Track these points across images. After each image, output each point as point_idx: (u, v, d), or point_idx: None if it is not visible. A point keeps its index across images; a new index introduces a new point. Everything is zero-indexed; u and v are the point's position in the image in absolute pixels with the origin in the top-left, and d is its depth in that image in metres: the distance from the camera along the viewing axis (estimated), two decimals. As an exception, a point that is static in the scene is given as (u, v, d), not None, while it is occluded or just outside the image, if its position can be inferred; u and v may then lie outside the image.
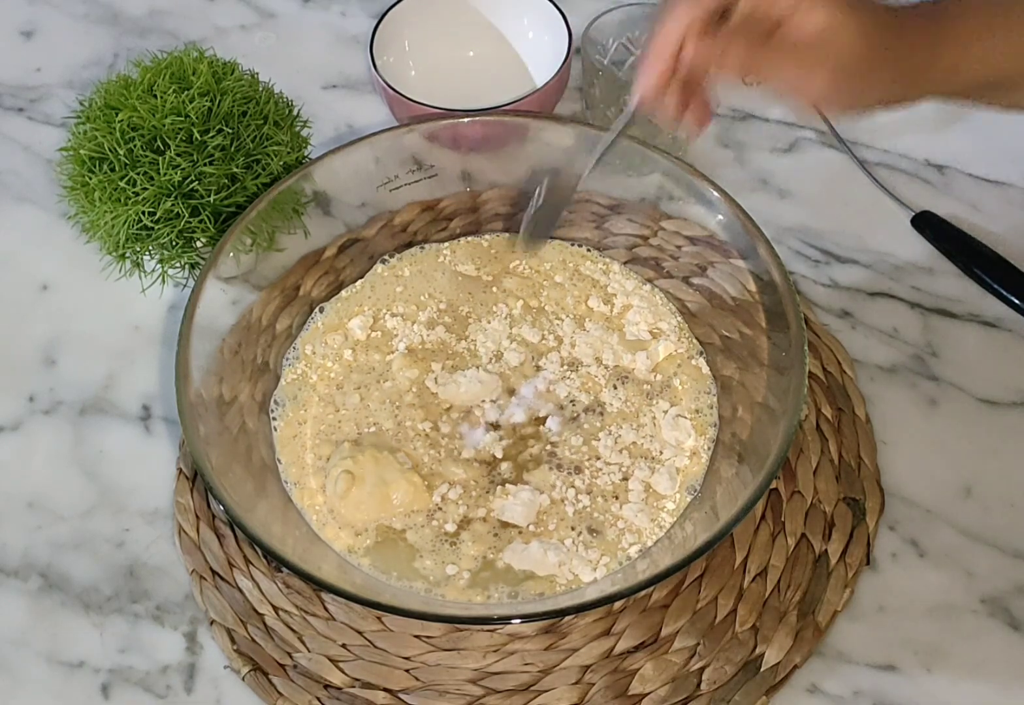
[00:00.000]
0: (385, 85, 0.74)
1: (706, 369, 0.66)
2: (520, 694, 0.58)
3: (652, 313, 0.68)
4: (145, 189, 0.65)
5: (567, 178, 0.62)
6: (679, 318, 0.68)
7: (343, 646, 0.60)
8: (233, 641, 0.60)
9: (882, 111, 0.54)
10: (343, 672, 0.59)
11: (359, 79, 0.85)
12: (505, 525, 0.61)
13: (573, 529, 0.60)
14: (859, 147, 0.79)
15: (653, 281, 0.70)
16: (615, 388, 0.65)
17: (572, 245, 0.72)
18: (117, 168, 0.66)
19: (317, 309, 0.70)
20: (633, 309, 0.68)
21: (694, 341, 0.67)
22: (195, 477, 0.65)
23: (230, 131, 0.67)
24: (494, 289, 0.70)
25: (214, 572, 0.63)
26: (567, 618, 0.60)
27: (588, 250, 0.71)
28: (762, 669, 0.58)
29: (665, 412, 0.64)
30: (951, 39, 0.52)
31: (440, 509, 0.61)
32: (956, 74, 0.53)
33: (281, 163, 0.69)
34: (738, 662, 0.58)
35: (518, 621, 0.58)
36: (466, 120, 0.69)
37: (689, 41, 0.51)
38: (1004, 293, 0.69)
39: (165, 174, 0.65)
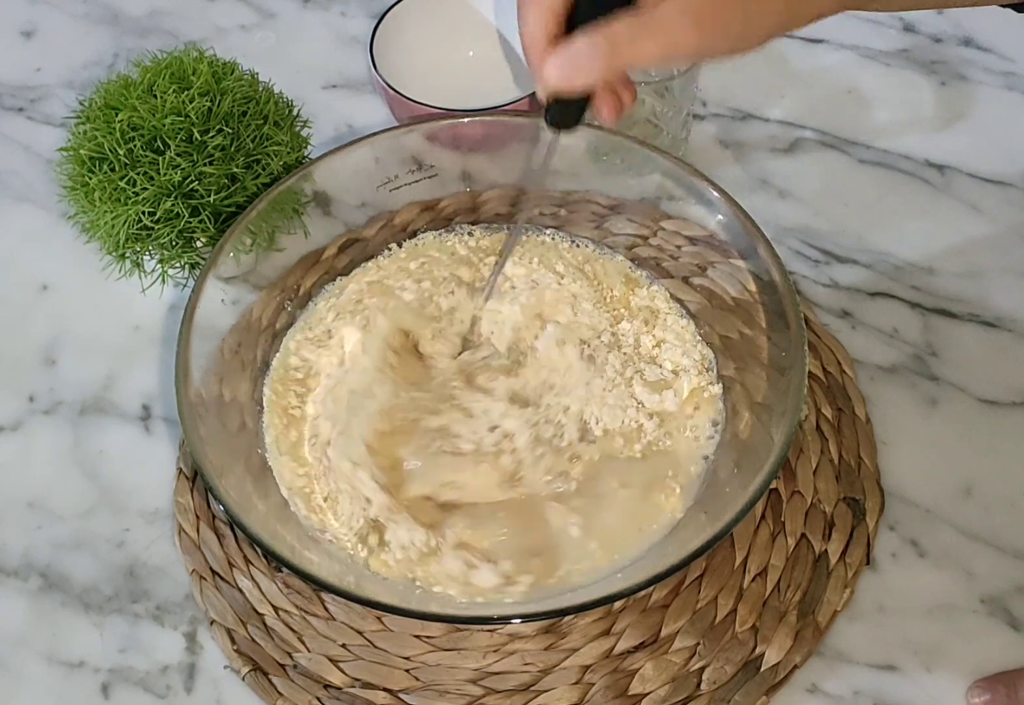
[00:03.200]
0: (385, 85, 0.74)
1: (720, 404, 0.65)
2: (520, 694, 0.58)
3: (681, 349, 0.66)
4: (145, 189, 0.65)
5: None
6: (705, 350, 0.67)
7: (343, 646, 0.60)
8: (233, 641, 0.60)
9: (787, 32, 0.49)
10: (343, 672, 0.59)
11: (359, 79, 0.85)
12: None
13: None
14: (859, 147, 0.79)
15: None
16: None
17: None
18: (117, 168, 0.66)
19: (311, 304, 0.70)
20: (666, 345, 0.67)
21: (714, 371, 0.66)
22: (195, 477, 0.66)
23: (230, 131, 0.67)
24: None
25: (214, 572, 0.63)
26: (567, 618, 0.60)
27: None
28: (762, 669, 0.58)
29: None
30: None
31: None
32: None
33: (281, 163, 0.69)
34: (738, 662, 0.58)
35: (518, 621, 0.58)
36: (466, 120, 0.69)
37: (540, 60, 0.48)
38: None
39: (165, 174, 0.65)
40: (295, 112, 0.73)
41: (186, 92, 0.67)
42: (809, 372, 0.60)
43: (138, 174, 0.65)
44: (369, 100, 0.84)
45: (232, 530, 0.64)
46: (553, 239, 0.71)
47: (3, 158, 0.82)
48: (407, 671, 0.59)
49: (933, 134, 0.79)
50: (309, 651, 0.60)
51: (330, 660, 0.60)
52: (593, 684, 0.59)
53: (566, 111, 0.54)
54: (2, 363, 0.72)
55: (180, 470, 0.66)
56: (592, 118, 0.53)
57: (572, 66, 0.48)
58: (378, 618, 0.61)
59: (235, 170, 0.67)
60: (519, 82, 0.80)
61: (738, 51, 0.48)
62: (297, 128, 0.72)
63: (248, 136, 0.68)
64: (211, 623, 0.61)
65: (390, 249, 0.72)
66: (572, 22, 0.49)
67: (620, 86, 0.52)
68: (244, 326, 0.66)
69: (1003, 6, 0.54)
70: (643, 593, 0.60)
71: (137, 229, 0.66)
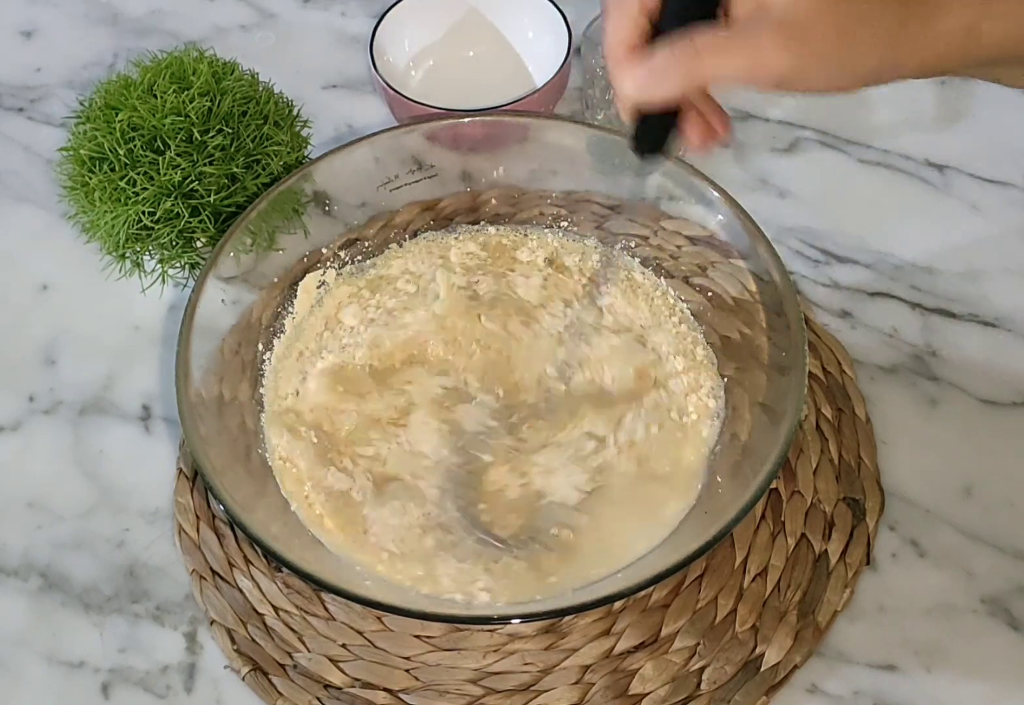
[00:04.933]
0: (385, 85, 0.74)
1: (720, 404, 0.64)
2: (520, 694, 0.58)
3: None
4: (145, 189, 0.65)
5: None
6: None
7: (343, 646, 0.60)
8: (233, 641, 0.60)
9: (876, 85, 0.46)
10: (343, 672, 0.59)
11: (359, 79, 0.85)
12: None
13: None
14: (859, 147, 0.79)
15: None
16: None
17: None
18: (117, 168, 0.66)
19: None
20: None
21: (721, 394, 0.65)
22: (195, 477, 0.66)
23: (230, 131, 0.67)
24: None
25: (214, 572, 0.63)
26: (567, 618, 0.60)
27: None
28: (762, 669, 0.58)
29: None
30: None
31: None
32: (973, 38, 0.44)
33: (281, 163, 0.69)
34: (738, 662, 0.58)
35: (518, 621, 0.58)
36: (466, 120, 0.69)
37: (619, 69, 0.46)
38: None
39: (165, 174, 0.65)
40: (295, 112, 0.73)
41: (186, 92, 0.67)
42: (809, 372, 0.60)
43: (138, 174, 0.65)
44: (369, 100, 0.83)
45: (232, 530, 0.64)
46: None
47: (3, 158, 0.82)
48: (407, 671, 0.59)
49: (933, 134, 0.79)
50: (309, 651, 0.60)
51: (330, 660, 0.60)
52: (593, 684, 0.59)
53: (651, 133, 0.50)
54: (2, 363, 0.72)
55: (180, 470, 0.66)
56: (682, 149, 0.50)
57: (650, 76, 0.45)
58: (378, 618, 0.61)
59: (235, 170, 0.67)
60: (519, 82, 0.80)
61: (831, 85, 0.45)
62: (297, 128, 0.72)
63: (248, 136, 0.68)
64: (211, 623, 0.61)
65: (390, 249, 0.72)
66: (657, 32, 0.46)
67: (709, 110, 0.49)
68: (244, 326, 0.66)
69: None
70: (643, 593, 0.60)
71: (137, 229, 0.66)
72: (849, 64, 0.44)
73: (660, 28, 0.46)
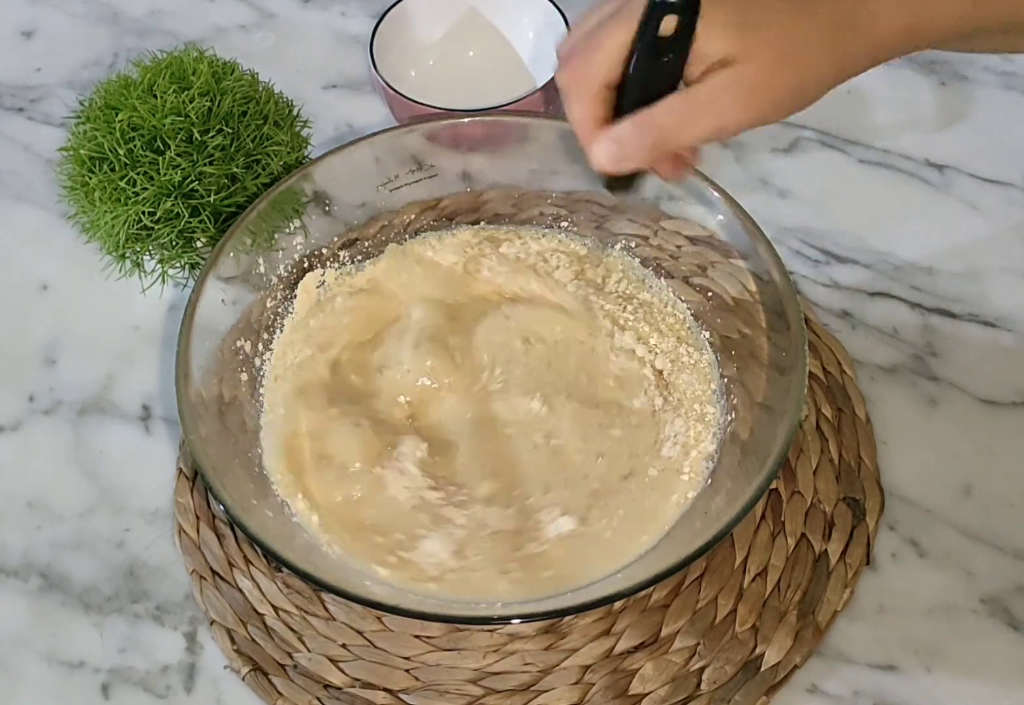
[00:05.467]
0: (385, 85, 0.74)
1: (720, 404, 0.64)
2: (520, 694, 0.58)
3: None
4: (145, 189, 0.65)
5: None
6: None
7: (343, 646, 0.60)
8: (233, 641, 0.60)
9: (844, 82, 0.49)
10: (343, 672, 0.59)
11: (359, 79, 0.85)
12: None
13: None
14: (859, 147, 0.79)
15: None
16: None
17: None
18: (117, 168, 0.66)
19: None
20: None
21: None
22: (195, 477, 0.66)
23: (230, 131, 0.67)
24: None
25: (214, 572, 0.63)
26: (567, 618, 0.60)
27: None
28: (762, 669, 0.58)
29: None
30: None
31: None
32: (914, 36, 0.48)
33: (281, 163, 0.69)
34: (738, 662, 0.58)
35: (518, 621, 0.58)
36: (466, 120, 0.69)
37: (589, 142, 0.49)
38: None
39: (165, 174, 0.65)
40: (295, 112, 0.73)
41: (186, 92, 0.67)
42: (809, 372, 0.60)
43: (138, 174, 0.65)
44: (369, 100, 0.83)
45: (232, 530, 0.64)
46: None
47: (3, 158, 0.82)
48: (407, 671, 0.59)
49: (933, 134, 0.79)
50: (309, 651, 0.60)
51: (330, 660, 0.60)
52: (593, 684, 0.59)
53: (623, 179, 0.55)
54: (2, 363, 0.72)
55: (180, 470, 0.66)
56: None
57: (620, 153, 0.48)
58: (378, 618, 0.61)
59: (235, 170, 0.67)
60: (519, 82, 0.80)
61: (789, 116, 0.49)
62: (297, 128, 0.72)
63: (248, 136, 0.68)
64: (211, 623, 0.61)
65: (390, 248, 0.72)
66: (619, 104, 0.49)
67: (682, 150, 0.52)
68: (244, 326, 0.66)
69: None
70: (643, 593, 0.60)
71: (137, 229, 0.66)
72: (804, 99, 0.48)
73: (624, 100, 0.49)
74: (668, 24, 0.45)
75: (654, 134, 0.48)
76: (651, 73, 0.48)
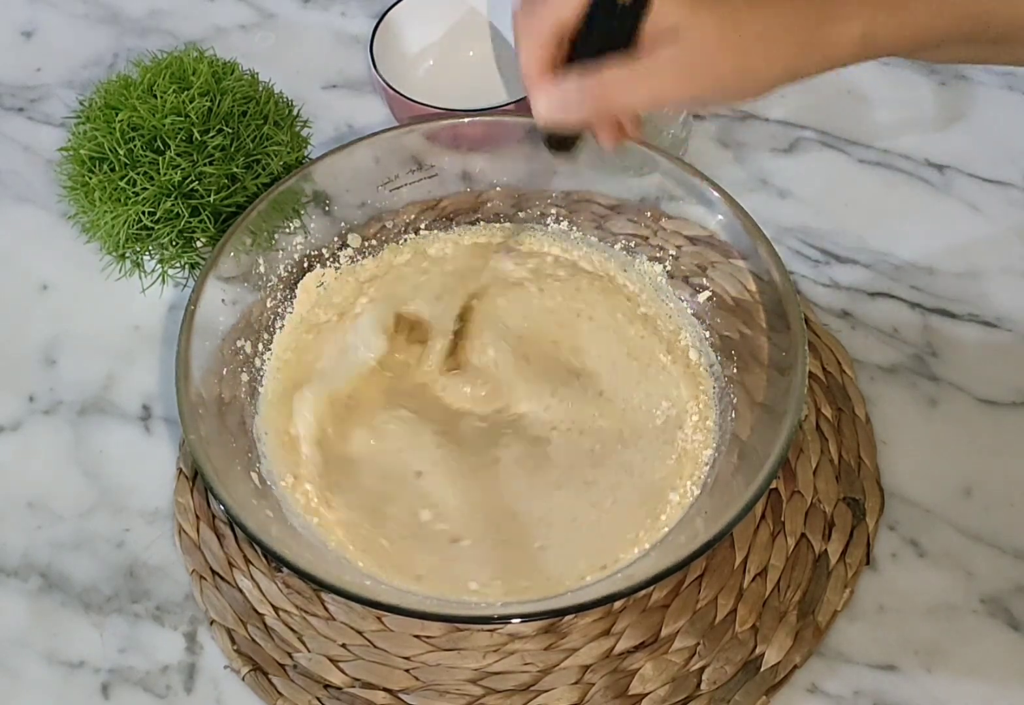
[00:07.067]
0: (385, 85, 0.74)
1: (720, 404, 0.64)
2: (520, 694, 0.58)
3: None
4: (145, 189, 0.65)
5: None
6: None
7: (343, 646, 0.60)
8: (233, 641, 0.60)
9: (776, 89, 0.49)
10: (343, 672, 0.59)
11: (359, 79, 0.85)
12: None
13: None
14: (859, 147, 0.79)
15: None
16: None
17: None
18: (117, 168, 0.66)
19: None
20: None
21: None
22: (195, 477, 0.65)
23: (230, 131, 0.67)
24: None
25: (214, 572, 0.63)
26: (567, 618, 0.60)
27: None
28: (762, 669, 0.58)
29: None
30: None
31: None
32: (868, 44, 0.48)
33: (281, 163, 0.69)
34: (738, 662, 0.58)
35: (518, 621, 0.58)
36: (466, 120, 0.69)
37: (533, 89, 0.49)
38: None
39: (165, 174, 0.65)
40: (295, 112, 0.73)
41: (186, 92, 0.67)
42: (809, 372, 0.60)
43: (138, 174, 0.65)
44: (369, 100, 0.84)
45: (232, 530, 0.64)
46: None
47: (3, 158, 0.82)
48: (407, 671, 0.59)
49: (933, 134, 0.79)
50: (309, 651, 0.60)
51: (330, 660, 0.60)
52: (593, 684, 0.59)
53: (561, 137, 0.55)
54: (2, 363, 0.72)
55: (180, 470, 0.66)
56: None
57: (561, 105, 0.49)
58: (378, 618, 0.61)
59: (235, 170, 0.67)
60: (519, 82, 0.80)
61: (734, 101, 0.49)
62: (297, 128, 0.72)
63: (248, 136, 0.68)
64: (211, 623, 0.61)
65: (389, 248, 0.72)
66: (572, 53, 0.49)
67: (622, 117, 0.52)
68: (244, 326, 0.66)
69: None
70: (643, 593, 0.60)
71: (137, 229, 0.66)
72: (750, 86, 0.48)
73: (576, 52, 0.49)
74: None
75: (595, 91, 0.48)
76: (604, 31, 0.48)
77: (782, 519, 0.63)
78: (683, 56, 0.46)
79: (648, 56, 0.47)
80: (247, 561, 0.63)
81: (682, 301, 0.69)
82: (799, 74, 0.48)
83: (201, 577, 0.62)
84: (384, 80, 0.75)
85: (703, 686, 0.58)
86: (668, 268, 0.69)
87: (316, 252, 0.70)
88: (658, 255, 0.70)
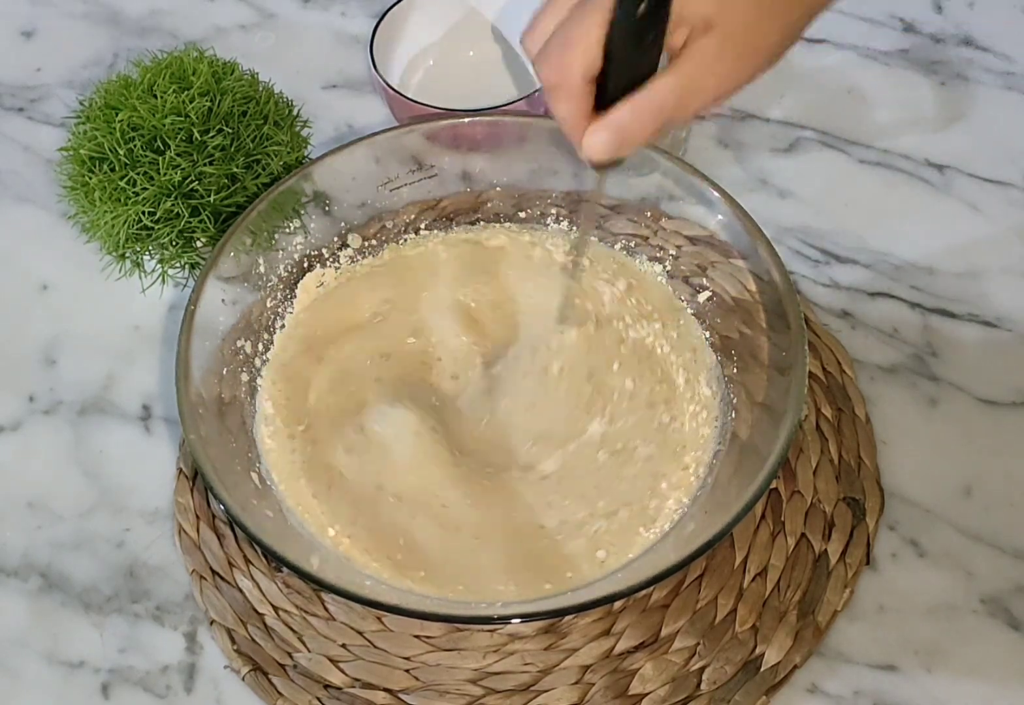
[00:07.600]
0: (385, 85, 0.74)
1: (720, 404, 0.64)
2: (520, 694, 0.59)
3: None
4: (145, 189, 0.65)
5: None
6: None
7: (343, 646, 0.60)
8: (233, 641, 0.60)
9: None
10: (343, 672, 0.59)
11: (359, 79, 0.85)
12: None
13: None
14: (859, 147, 0.79)
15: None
16: None
17: None
18: (117, 168, 0.66)
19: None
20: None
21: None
22: (195, 477, 0.66)
23: (230, 131, 0.67)
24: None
25: (214, 572, 0.63)
26: (567, 618, 0.60)
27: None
28: (762, 669, 0.58)
29: None
30: None
31: None
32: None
33: (281, 163, 0.69)
34: (738, 662, 0.58)
35: (518, 621, 0.58)
36: (466, 120, 0.69)
37: (582, 137, 0.48)
38: None
39: (165, 174, 0.65)
40: (295, 112, 0.73)
41: (186, 92, 0.67)
42: (809, 372, 0.60)
43: (138, 174, 0.65)
44: (369, 100, 0.84)
45: (232, 530, 0.64)
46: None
47: (3, 158, 0.82)
48: (407, 671, 0.59)
49: (933, 134, 0.79)
50: (309, 651, 0.60)
51: (330, 660, 0.60)
52: (593, 684, 0.59)
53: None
54: (2, 363, 0.72)
55: (180, 470, 0.66)
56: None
57: (619, 139, 0.48)
58: (378, 618, 0.61)
59: (235, 170, 0.67)
60: (519, 82, 0.80)
61: (760, 76, 0.48)
62: (297, 128, 0.72)
63: (248, 136, 0.68)
64: (211, 623, 0.61)
65: (389, 248, 0.72)
66: (602, 92, 0.48)
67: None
68: (244, 326, 0.66)
69: None
70: (643, 593, 0.60)
71: (137, 229, 0.66)
72: (791, 43, 0.48)
73: (609, 88, 0.48)
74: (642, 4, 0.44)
75: (656, 115, 0.47)
76: (633, 56, 0.47)
77: (782, 519, 0.63)
78: (729, 40, 0.45)
79: (691, 56, 0.46)
80: (247, 561, 0.63)
81: (682, 301, 0.69)
82: (796, 33, 0.48)
83: (201, 577, 0.63)
84: (384, 80, 0.75)
85: (703, 686, 0.58)
86: (668, 268, 0.70)
87: (316, 252, 0.70)
88: (658, 255, 0.70)
